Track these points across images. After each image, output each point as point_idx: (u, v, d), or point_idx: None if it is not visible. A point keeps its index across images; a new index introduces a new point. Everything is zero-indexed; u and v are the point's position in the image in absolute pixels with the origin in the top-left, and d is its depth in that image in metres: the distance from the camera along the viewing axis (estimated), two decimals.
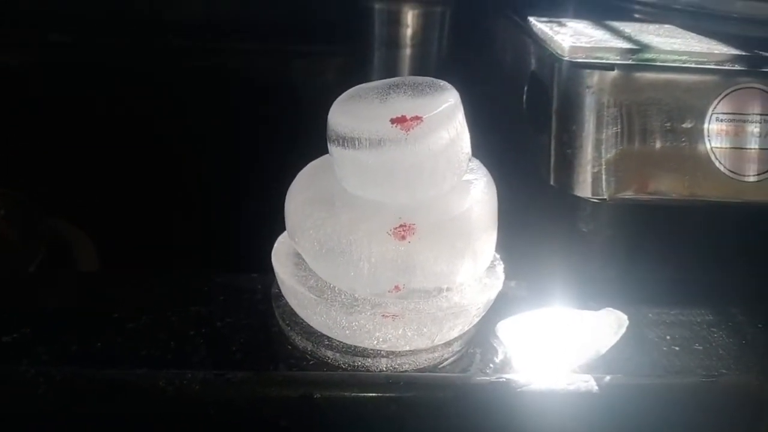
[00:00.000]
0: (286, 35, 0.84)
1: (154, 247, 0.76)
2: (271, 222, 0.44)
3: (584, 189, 0.48)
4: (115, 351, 0.40)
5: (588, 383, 0.36)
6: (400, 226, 0.35)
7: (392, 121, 0.35)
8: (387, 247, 0.35)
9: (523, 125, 0.57)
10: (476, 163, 0.40)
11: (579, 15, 0.61)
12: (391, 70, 0.80)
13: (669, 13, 0.63)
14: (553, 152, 0.50)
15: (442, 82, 0.38)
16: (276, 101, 0.81)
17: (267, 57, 0.84)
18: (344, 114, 0.36)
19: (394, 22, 0.79)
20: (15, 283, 0.49)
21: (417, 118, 0.35)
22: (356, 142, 0.35)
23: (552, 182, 0.50)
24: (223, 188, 0.81)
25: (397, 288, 0.36)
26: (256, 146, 0.81)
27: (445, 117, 0.36)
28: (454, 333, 0.38)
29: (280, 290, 0.42)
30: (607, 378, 0.37)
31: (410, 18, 0.78)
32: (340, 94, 0.39)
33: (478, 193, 0.38)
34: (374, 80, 0.39)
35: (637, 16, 0.65)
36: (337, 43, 0.85)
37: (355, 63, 0.84)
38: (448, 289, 0.37)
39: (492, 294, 0.39)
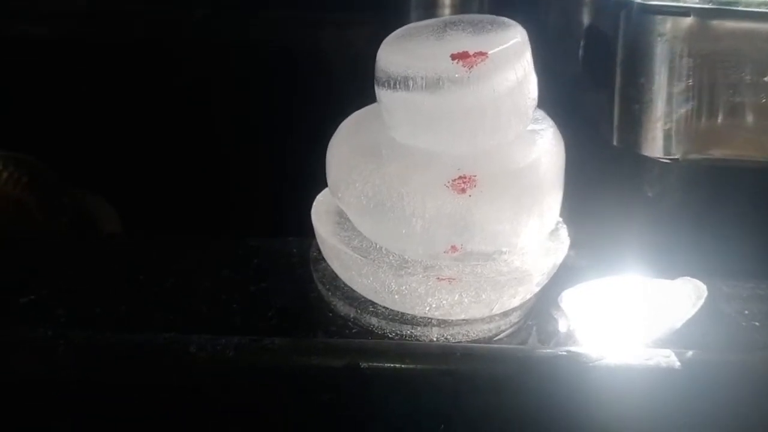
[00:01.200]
0: (313, 1, 0.79)
1: (182, 215, 0.73)
2: (302, 188, 0.40)
3: (653, 148, 0.44)
4: (141, 315, 0.37)
5: (669, 359, 0.32)
6: (459, 177, 0.31)
7: (453, 57, 0.31)
8: (444, 201, 0.31)
9: (578, 84, 0.53)
10: (540, 113, 0.36)
11: None
12: None
13: None
14: (617, 108, 0.45)
15: (506, 19, 0.34)
16: (304, 71, 0.77)
17: (294, 25, 0.80)
18: (396, 52, 0.32)
19: None
20: (35, 244, 0.46)
21: (481, 53, 0.31)
22: (410, 82, 0.31)
23: (615, 142, 0.46)
24: (252, 157, 0.77)
25: (453, 248, 0.32)
26: (286, 117, 0.77)
27: (513, 54, 0.32)
28: (515, 302, 0.34)
29: (318, 254, 0.38)
30: (690, 354, 0.33)
31: None
32: (371, 64, 0.35)
33: (545, 144, 0.34)
34: None
35: None
36: (369, 8, 0.80)
37: (389, 29, 0.80)
38: (509, 252, 0.33)
39: (557, 258, 0.35)
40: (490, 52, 0.31)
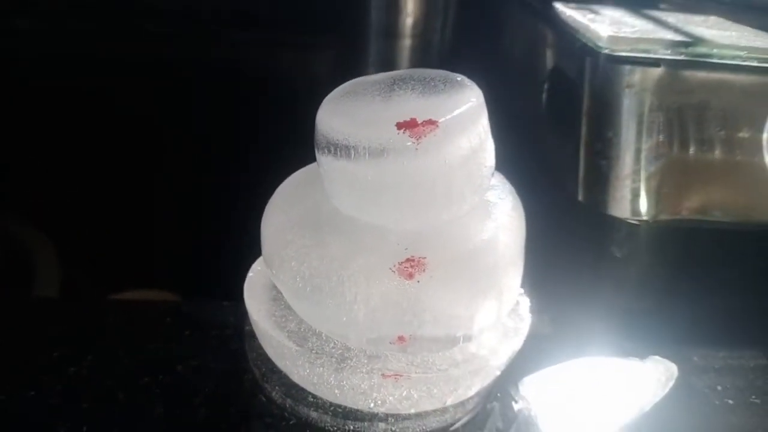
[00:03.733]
0: (272, 24, 0.75)
1: (121, 259, 0.68)
2: (249, 239, 0.36)
3: (621, 208, 0.40)
4: (49, 402, 0.33)
5: None
6: (407, 260, 0.27)
7: (399, 126, 0.27)
8: (389, 287, 0.28)
9: (543, 130, 0.50)
10: (498, 177, 0.33)
11: (603, 2, 0.53)
12: (388, 63, 0.72)
13: (704, 5, 0.56)
14: (582, 163, 0.42)
15: (460, 77, 0.30)
16: (260, 98, 0.73)
17: (251, 48, 0.75)
18: (338, 116, 0.29)
19: (393, 8, 0.71)
20: None
21: (431, 122, 0.27)
22: (352, 152, 0.28)
23: (580, 198, 0.42)
24: (197, 195, 0.72)
25: (401, 339, 0.28)
26: (237, 148, 0.72)
27: (467, 121, 0.28)
28: (471, 392, 0.31)
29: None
30: None
31: (411, 5, 0.70)
32: (331, 90, 0.31)
33: (503, 217, 0.30)
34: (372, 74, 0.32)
35: (662, 6, 0.57)
36: (329, 33, 0.76)
37: (349, 55, 0.76)
38: (465, 338, 0.30)
39: (517, 342, 0.32)
40: (440, 121, 0.27)
